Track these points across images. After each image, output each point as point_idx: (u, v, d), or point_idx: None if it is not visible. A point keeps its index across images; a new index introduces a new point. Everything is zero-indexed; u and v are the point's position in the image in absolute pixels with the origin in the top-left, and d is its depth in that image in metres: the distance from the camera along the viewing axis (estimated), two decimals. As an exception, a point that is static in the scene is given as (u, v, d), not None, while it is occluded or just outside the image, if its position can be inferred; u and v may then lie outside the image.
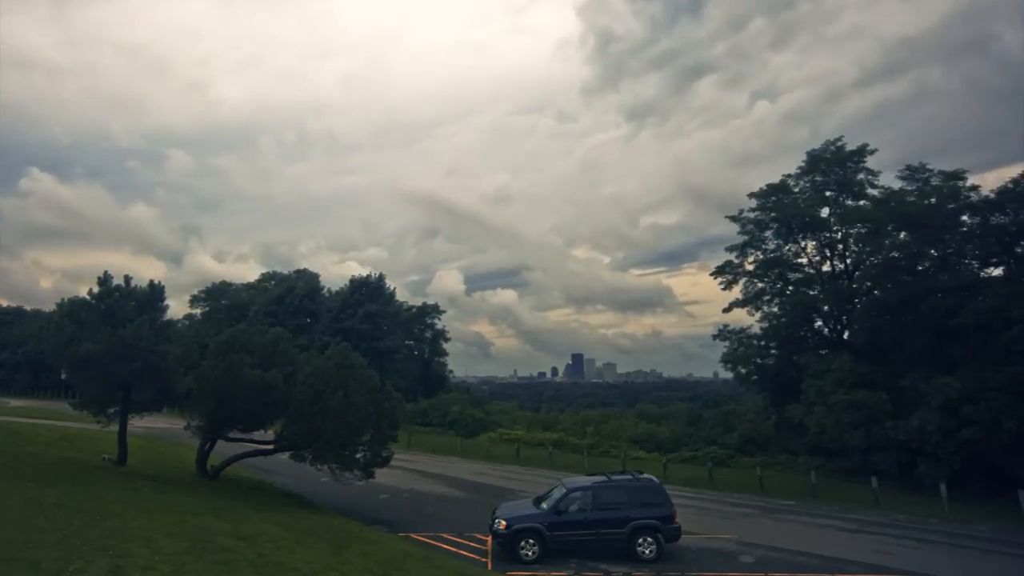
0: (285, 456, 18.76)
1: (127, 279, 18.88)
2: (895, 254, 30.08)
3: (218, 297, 69.23)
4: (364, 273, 62.38)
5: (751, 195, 37.11)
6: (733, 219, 37.64)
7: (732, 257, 37.92)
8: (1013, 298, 23.96)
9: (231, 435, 19.01)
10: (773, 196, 36.26)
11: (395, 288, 62.38)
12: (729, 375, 42.14)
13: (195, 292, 72.66)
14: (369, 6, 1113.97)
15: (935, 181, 29.85)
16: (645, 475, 15.52)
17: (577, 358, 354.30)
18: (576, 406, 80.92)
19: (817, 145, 35.96)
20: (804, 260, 36.53)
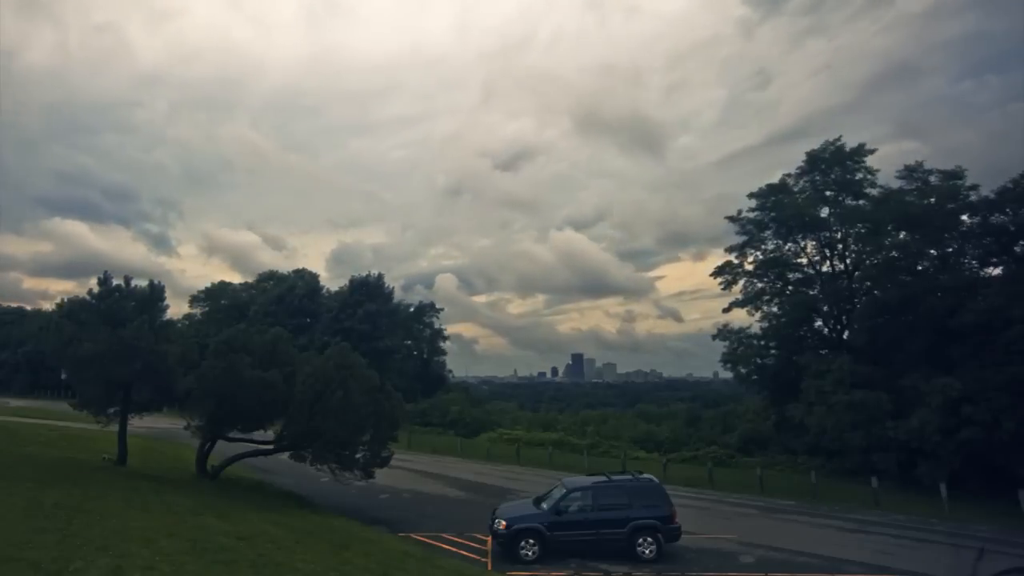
0: (285, 456, 18.74)
1: (127, 279, 18.93)
2: (895, 254, 30.13)
3: (218, 297, 69.31)
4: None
5: (750, 195, 37.21)
6: (732, 219, 37.74)
7: (732, 257, 38.01)
8: (1013, 298, 23.97)
9: (231, 435, 18.99)
10: (772, 196, 36.30)
11: (393, 288, 62.60)
12: (729, 375, 42.20)
13: (195, 292, 72.88)
14: None
15: (934, 180, 29.87)
16: (645, 475, 15.50)
17: (577, 358, 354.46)
18: (576, 406, 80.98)
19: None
20: (804, 260, 36.59)
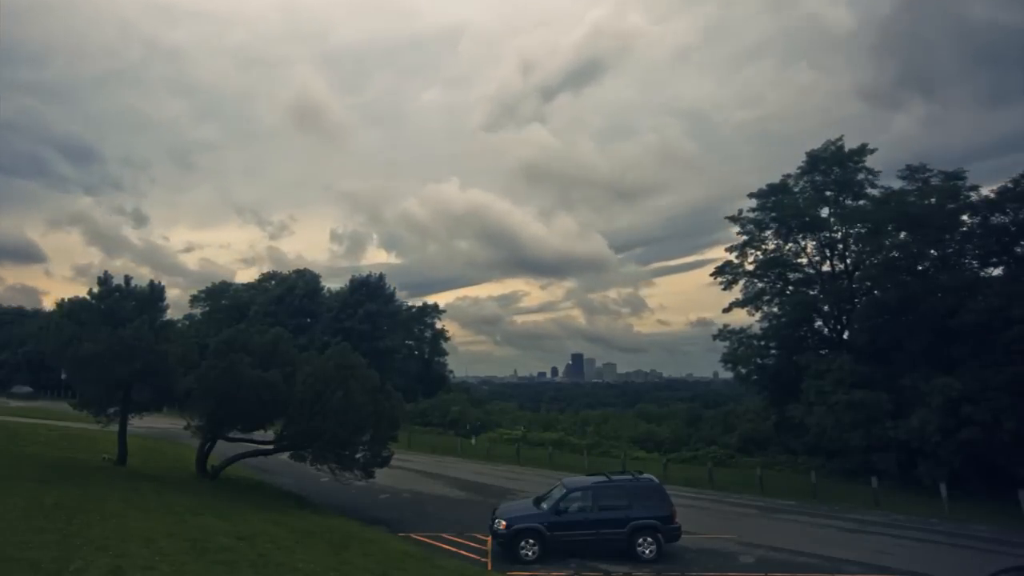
0: (285, 456, 18.75)
1: (127, 279, 18.97)
2: (895, 254, 30.08)
3: (218, 297, 69.36)
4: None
5: (751, 195, 37.22)
6: (732, 219, 37.73)
7: (732, 257, 38.01)
8: (1013, 298, 23.95)
9: (231, 435, 19.01)
10: (773, 196, 36.30)
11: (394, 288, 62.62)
12: (729, 375, 42.22)
13: (195, 292, 73.03)
14: None
15: (935, 181, 29.86)
16: (645, 475, 15.51)
17: (577, 358, 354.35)
18: (576, 406, 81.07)
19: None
20: (804, 260, 36.56)
